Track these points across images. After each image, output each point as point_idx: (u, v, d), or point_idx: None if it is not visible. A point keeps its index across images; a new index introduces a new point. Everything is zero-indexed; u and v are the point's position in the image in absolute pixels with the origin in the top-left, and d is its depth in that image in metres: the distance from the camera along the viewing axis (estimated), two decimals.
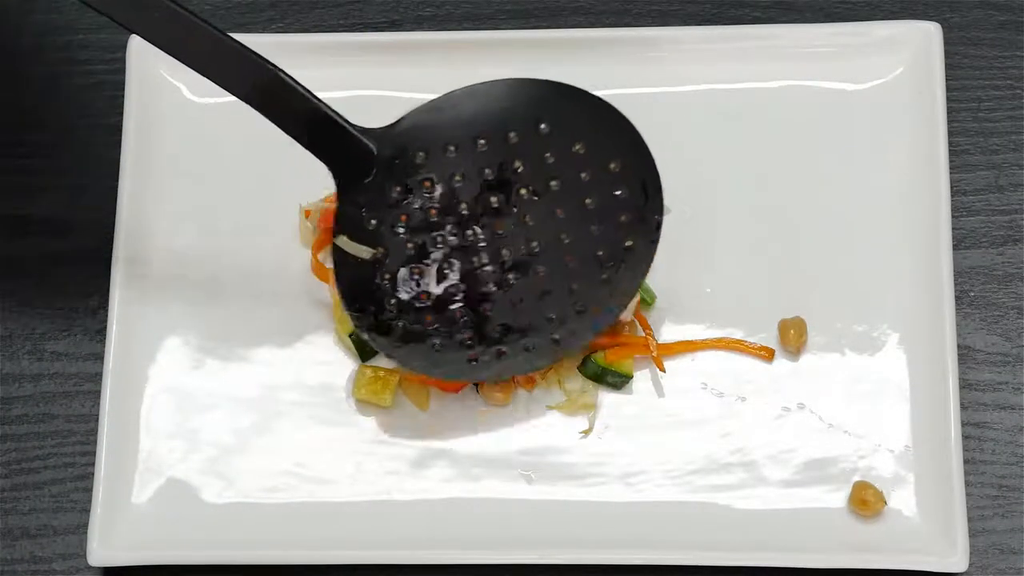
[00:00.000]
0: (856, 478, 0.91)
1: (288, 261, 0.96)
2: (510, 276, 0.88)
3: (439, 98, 0.87)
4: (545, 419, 0.93)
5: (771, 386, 0.93)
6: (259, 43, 0.98)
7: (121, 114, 0.98)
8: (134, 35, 0.98)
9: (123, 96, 0.98)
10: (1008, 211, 0.98)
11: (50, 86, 1.02)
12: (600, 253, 0.88)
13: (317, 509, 0.92)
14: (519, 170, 0.87)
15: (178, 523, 0.91)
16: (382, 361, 0.94)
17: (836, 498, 0.91)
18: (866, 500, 0.90)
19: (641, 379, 0.94)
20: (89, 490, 0.92)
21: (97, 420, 0.93)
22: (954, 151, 0.98)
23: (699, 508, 0.91)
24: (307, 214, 0.96)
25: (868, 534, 0.90)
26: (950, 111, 0.97)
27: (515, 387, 0.94)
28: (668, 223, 0.92)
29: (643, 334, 0.94)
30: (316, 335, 0.95)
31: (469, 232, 0.88)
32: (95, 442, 0.92)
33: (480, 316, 0.89)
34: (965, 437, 0.91)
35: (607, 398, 0.94)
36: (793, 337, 0.93)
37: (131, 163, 0.97)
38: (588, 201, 0.88)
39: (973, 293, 0.96)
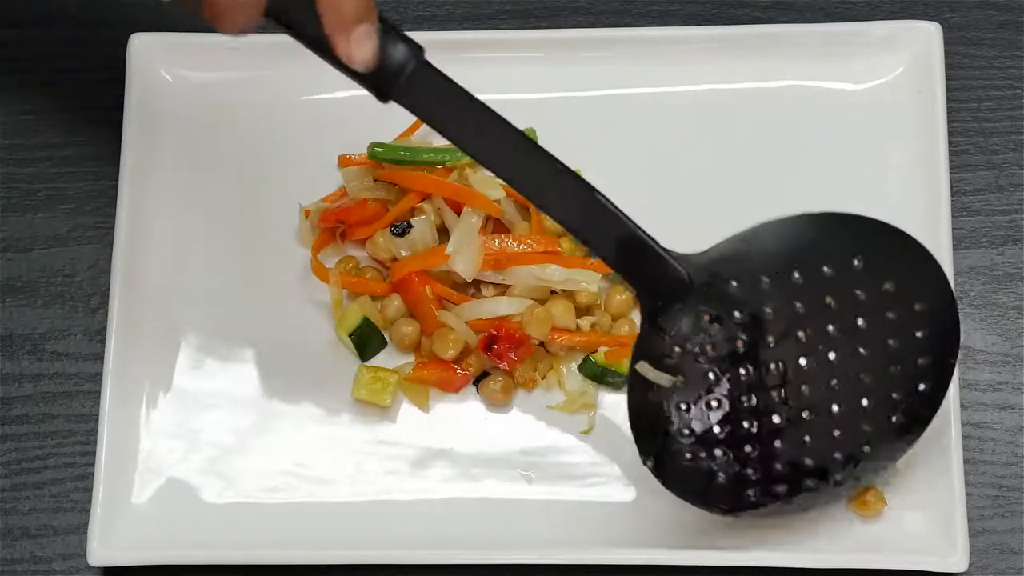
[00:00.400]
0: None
1: (288, 261, 0.96)
2: (805, 413, 0.86)
3: (750, 228, 0.84)
4: (545, 419, 0.93)
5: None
6: (259, 43, 0.98)
7: (121, 113, 0.98)
8: (134, 35, 0.98)
9: (123, 96, 0.98)
10: (1008, 211, 0.98)
11: (51, 86, 1.02)
12: (895, 396, 0.86)
13: (317, 509, 0.92)
14: (831, 305, 0.85)
15: (178, 523, 0.91)
16: (382, 361, 0.94)
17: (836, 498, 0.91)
18: (866, 501, 0.90)
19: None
20: (89, 490, 0.92)
21: (97, 420, 0.93)
22: (954, 151, 0.98)
23: (699, 508, 0.91)
24: (307, 214, 0.96)
25: (868, 534, 0.90)
26: (950, 111, 0.97)
27: (515, 387, 0.94)
28: (670, 223, 0.92)
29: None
30: (316, 335, 0.95)
31: (772, 365, 0.85)
32: (95, 442, 0.92)
33: (770, 451, 0.86)
34: (965, 437, 0.91)
35: (607, 398, 0.94)
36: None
37: (131, 163, 0.96)
38: (891, 342, 0.85)
39: (973, 293, 0.96)
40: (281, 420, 0.94)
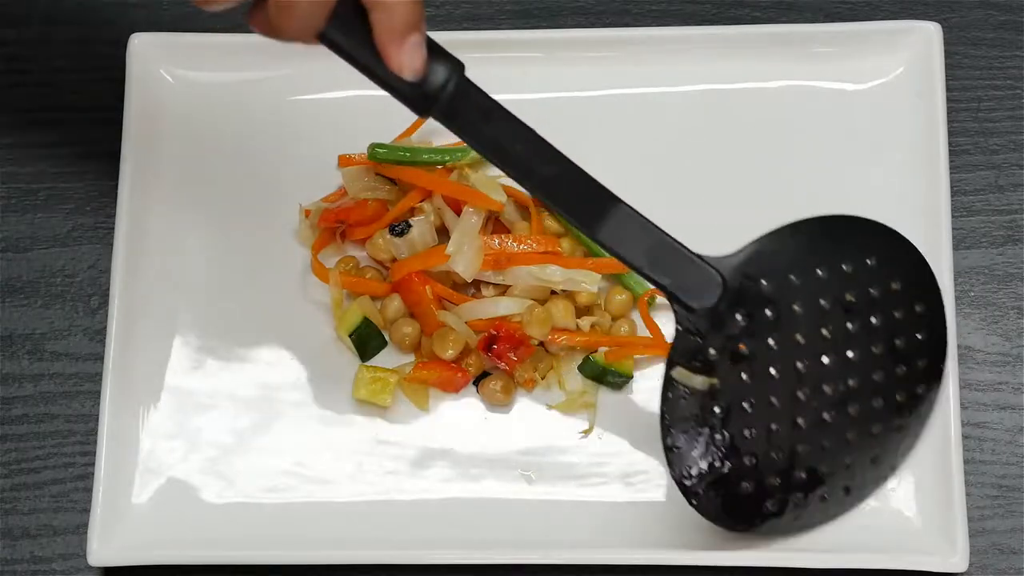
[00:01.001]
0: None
1: (288, 261, 0.96)
2: (826, 415, 0.86)
3: (773, 230, 0.86)
4: (545, 419, 0.93)
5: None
6: (260, 43, 0.98)
7: (121, 113, 0.98)
8: (134, 35, 0.98)
9: (123, 95, 0.98)
10: (1008, 211, 0.98)
11: (51, 86, 1.02)
12: (899, 398, 0.87)
13: (317, 509, 0.92)
14: (852, 301, 0.86)
15: (178, 523, 0.91)
16: (382, 361, 0.94)
17: None
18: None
19: (641, 379, 0.94)
20: (89, 490, 0.92)
21: (97, 420, 0.93)
22: (954, 151, 0.98)
23: None
24: (307, 214, 0.96)
25: (868, 534, 0.90)
26: (950, 111, 0.97)
27: (516, 387, 0.94)
28: (670, 223, 0.92)
29: (646, 334, 0.94)
30: (316, 335, 0.95)
31: (800, 364, 0.86)
32: (95, 442, 0.92)
33: (792, 457, 0.86)
34: (965, 437, 0.91)
35: (607, 398, 0.94)
36: None
37: (131, 163, 0.96)
38: (898, 342, 0.87)
39: (973, 293, 0.96)
40: (281, 420, 0.94)
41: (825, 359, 0.86)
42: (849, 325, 0.86)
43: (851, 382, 0.86)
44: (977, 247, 0.97)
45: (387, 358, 0.95)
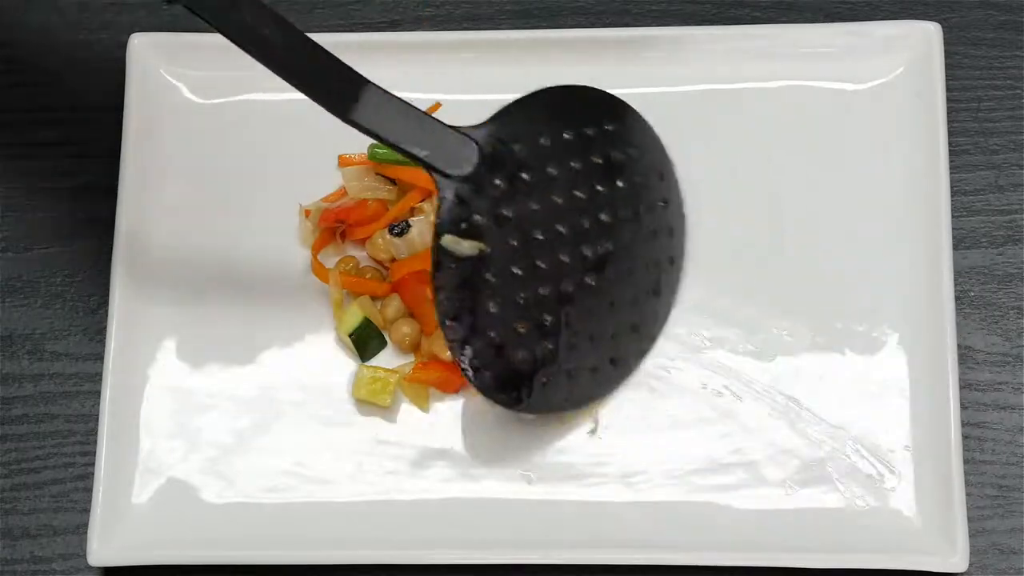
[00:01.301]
0: (856, 478, 0.91)
1: (288, 261, 0.96)
2: (588, 279, 0.88)
3: (521, 97, 0.87)
4: (545, 419, 0.93)
5: (771, 386, 0.93)
6: None
7: (121, 113, 0.98)
8: (134, 35, 0.98)
9: (123, 96, 0.98)
10: (1008, 211, 0.98)
11: (50, 86, 1.02)
12: (652, 262, 0.89)
13: (317, 509, 0.92)
14: (599, 164, 0.88)
15: (178, 523, 0.91)
16: (382, 361, 0.94)
17: (836, 498, 0.91)
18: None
19: (641, 379, 0.94)
20: (89, 490, 0.92)
21: (97, 420, 0.93)
22: (954, 151, 0.98)
23: (699, 508, 0.91)
24: (307, 214, 0.96)
25: (868, 534, 0.90)
26: (950, 111, 0.97)
27: None
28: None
29: None
30: (316, 335, 0.95)
31: (561, 227, 0.87)
32: (95, 442, 0.92)
33: (560, 323, 0.87)
34: (965, 437, 0.91)
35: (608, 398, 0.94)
36: None
37: (131, 163, 0.97)
38: (641, 208, 0.89)
39: (973, 293, 0.96)
40: (281, 420, 0.94)
41: (584, 221, 0.87)
42: (600, 188, 0.88)
43: (608, 245, 0.88)
44: (977, 247, 0.97)
45: (387, 358, 0.95)
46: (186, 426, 0.94)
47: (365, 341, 0.94)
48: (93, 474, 0.91)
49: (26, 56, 1.03)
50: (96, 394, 0.94)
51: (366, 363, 0.94)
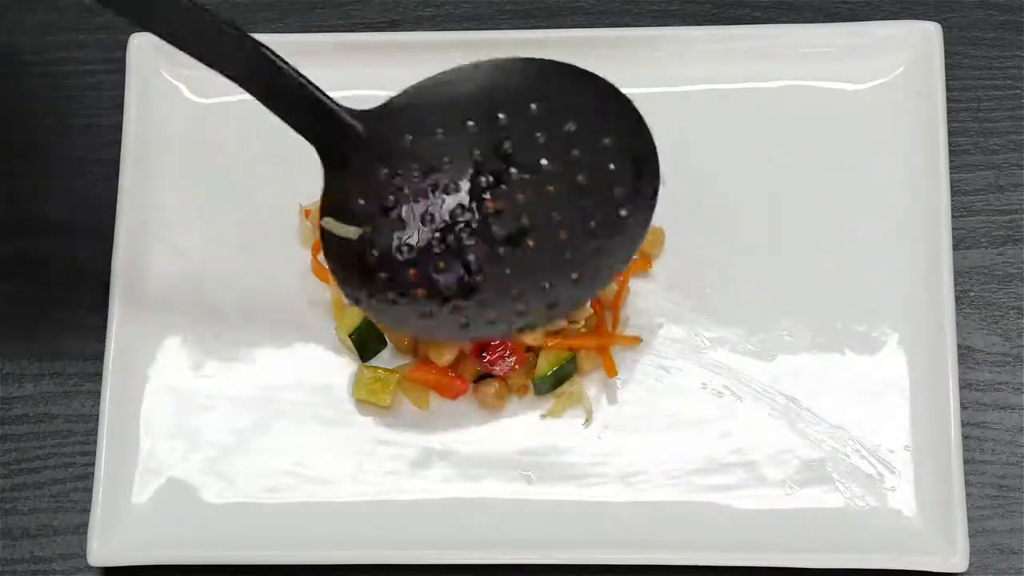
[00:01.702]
0: (855, 478, 0.91)
1: (288, 261, 0.96)
2: (501, 250, 0.87)
3: (427, 80, 0.86)
4: (543, 421, 0.93)
5: (771, 386, 0.93)
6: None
7: (121, 114, 0.98)
8: (134, 35, 0.98)
9: (123, 96, 0.98)
10: (1008, 211, 0.98)
11: (50, 86, 1.02)
12: (593, 224, 0.86)
13: (317, 509, 0.92)
14: (508, 151, 0.86)
15: (178, 523, 0.91)
16: (382, 361, 0.94)
17: (836, 498, 0.91)
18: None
19: (641, 379, 0.94)
20: (89, 490, 0.92)
21: (97, 420, 0.93)
22: (954, 151, 0.98)
23: (699, 508, 0.91)
24: (307, 214, 0.96)
25: (868, 534, 0.90)
26: (950, 111, 0.97)
27: (508, 392, 0.93)
28: (670, 223, 0.92)
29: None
30: (316, 335, 0.95)
31: (458, 210, 0.87)
32: (95, 442, 0.92)
33: (470, 285, 0.87)
34: (965, 437, 0.91)
35: (608, 398, 0.94)
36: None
37: (131, 163, 0.97)
38: (580, 177, 0.86)
39: (973, 293, 0.96)
40: (281, 420, 0.94)
41: (489, 205, 0.86)
42: (514, 171, 0.85)
43: (524, 220, 0.86)
44: (977, 247, 0.97)
45: (387, 358, 0.95)
46: (186, 426, 0.94)
47: (365, 341, 0.94)
48: (93, 474, 0.91)
49: (26, 56, 1.02)
50: (96, 394, 0.94)
51: (366, 363, 0.94)
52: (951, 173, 0.96)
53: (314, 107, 0.84)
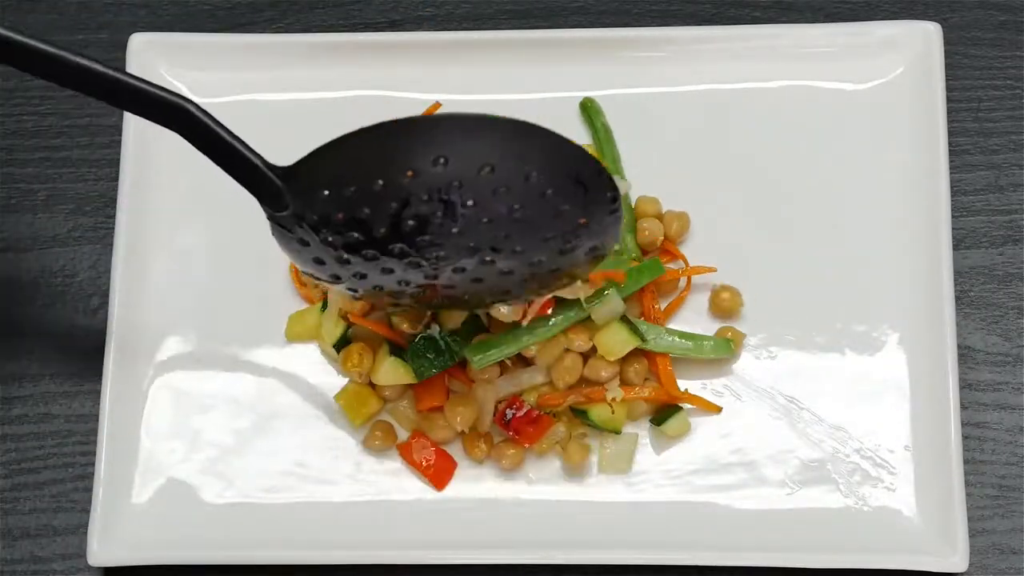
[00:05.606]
0: (856, 478, 0.91)
1: (288, 261, 0.96)
2: (456, 276, 0.85)
3: (337, 139, 0.81)
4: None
5: (771, 386, 0.93)
6: (259, 43, 0.99)
7: (121, 114, 0.98)
8: (134, 35, 0.98)
9: None
10: (1008, 211, 0.98)
11: (51, 86, 1.02)
12: (550, 237, 0.83)
13: (317, 509, 0.92)
14: (425, 201, 0.82)
15: (178, 523, 0.91)
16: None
17: (836, 498, 0.91)
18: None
19: None
20: (89, 490, 0.92)
21: (97, 420, 0.93)
22: (954, 151, 0.98)
23: (699, 508, 0.91)
24: None
25: (868, 534, 0.90)
26: (950, 111, 0.97)
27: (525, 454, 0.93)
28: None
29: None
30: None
31: (396, 248, 0.83)
32: (95, 442, 0.92)
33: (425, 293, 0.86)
34: (965, 437, 0.91)
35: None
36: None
37: (131, 163, 0.97)
38: (517, 207, 0.82)
39: (973, 293, 0.96)
40: (281, 420, 0.94)
41: (425, 244, 0.83)
42: (437, 219, 0.82)
43: (471, 245, 0.83)
44: (977, 247, 0.97)
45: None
46: (186, 426, 0.94)
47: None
48: (93, 474, 0.91)
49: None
50: (96, 394, 0.94)
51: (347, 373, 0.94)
52: (951, 173, 0.96)
53: (240, 159, 0.82)
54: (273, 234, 0.84)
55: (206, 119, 0.81)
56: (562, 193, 0.82)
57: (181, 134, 0.81)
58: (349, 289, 0.86)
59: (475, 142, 0.81)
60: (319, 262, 0.84)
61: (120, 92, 0.80)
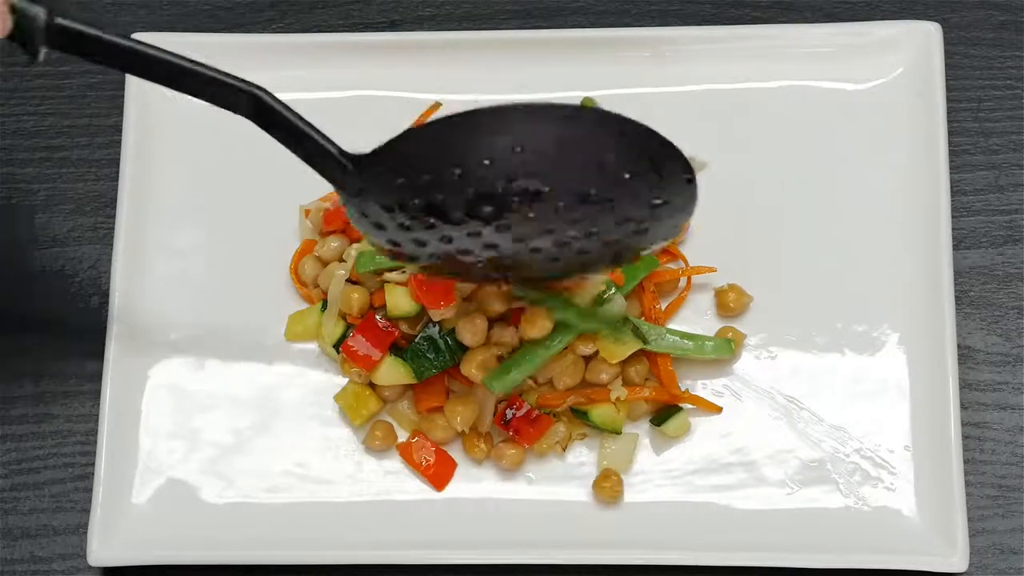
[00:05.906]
0: (856, 478, 0.91)
1: (288, 261, 0.96)
2: (533, 256, 0.84)
3: (411, 129, 0.82)
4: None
5: (771, 386, 0.93)
6: (259, 43, 0.99)
7: (121, 114, 0.98)
8: (134, 35, 0.98)
9: (123, 96, 0.98)
10: (1008, 211, 0.98)
11: (50, 86, 1.02)
12: (629, 219, 0.83)
13: (317, 509, 0.92)
14: (502, 188, 0.81)
15: (178, 523, 0.91)
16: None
17: (836, 498, 0.91)
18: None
19: None
20: (89, 490, 0.92)
21: (97, 420, 0.93)
22: (954, 151, 0.98)
23: (699, 508, 0.91)
24: (307, 214, 0.96)
25: (868, 534, 0.90)
26: (950, 111, 0.97)
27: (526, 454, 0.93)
28: None
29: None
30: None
31: (471, 230, 0.83)
32: (95, 442, 0.92)
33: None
34: (965, 437, 0.91)
35: None
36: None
37: (131, 163, 0.97)
38: (592, 191, 0.82)
39: (973, 293, 0.96)
40: (281, 420, 0.94)
41: (501, 228, 0.83)
42: (515, 203, 0.82)
43: (550, 228, 0.83)
44: (977, 247, 0.97)
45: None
46: (186, 426, 0.94)
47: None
48: (93, 474, 0.91)
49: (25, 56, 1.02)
50: (96, 394, 0.94)
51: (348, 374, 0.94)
52: (951, 173, 0.96)
53: (310, 140, 0.83)
54: (348, 216, 0.84)
55: (278, 105, 0.82)
56: (638, 175, 0.82)
57: (252, 119, 0.82)
58: (422, 267, 0.86)
59: (549, 129, 0.81)
60: (394, 243, 0.84)
61: (187, 78, 0.82)
